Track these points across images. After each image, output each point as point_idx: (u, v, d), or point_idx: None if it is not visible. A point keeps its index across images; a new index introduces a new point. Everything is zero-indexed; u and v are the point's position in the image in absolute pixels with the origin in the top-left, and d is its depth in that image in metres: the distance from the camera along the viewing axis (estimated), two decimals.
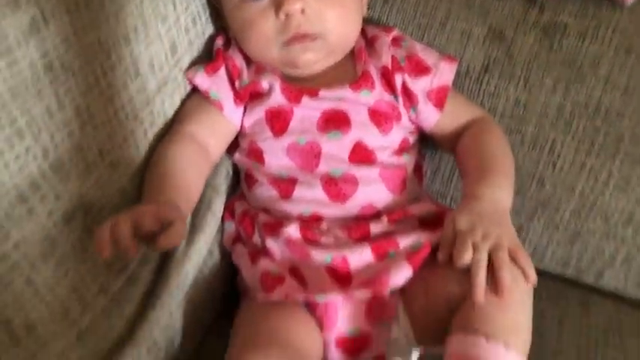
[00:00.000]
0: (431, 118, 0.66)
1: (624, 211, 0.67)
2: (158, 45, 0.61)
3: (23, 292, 0.47)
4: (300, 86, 0.65)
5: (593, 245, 0.70)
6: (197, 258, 0.64)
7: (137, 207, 0.51)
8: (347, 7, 0.64)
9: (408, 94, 0.66)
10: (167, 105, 0.63)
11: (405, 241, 0.58)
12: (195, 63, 0.67)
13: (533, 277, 0.53)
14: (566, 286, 0.74)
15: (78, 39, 0.51)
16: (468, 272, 0.52)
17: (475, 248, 0.52)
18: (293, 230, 0.60)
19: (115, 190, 0.56)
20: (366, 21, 0.70)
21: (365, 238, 0.60)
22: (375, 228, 0.60)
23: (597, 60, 0.65)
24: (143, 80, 0.59)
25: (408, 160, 0.65)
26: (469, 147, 0.65)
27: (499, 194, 0.59)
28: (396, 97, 0.66)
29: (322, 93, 0.64)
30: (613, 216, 0.67)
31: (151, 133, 0.61)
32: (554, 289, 0.73)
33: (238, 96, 0.65)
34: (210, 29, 0.70)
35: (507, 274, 0.51)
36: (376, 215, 0.62)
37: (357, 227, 0.60)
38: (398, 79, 0.65)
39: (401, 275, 0.56)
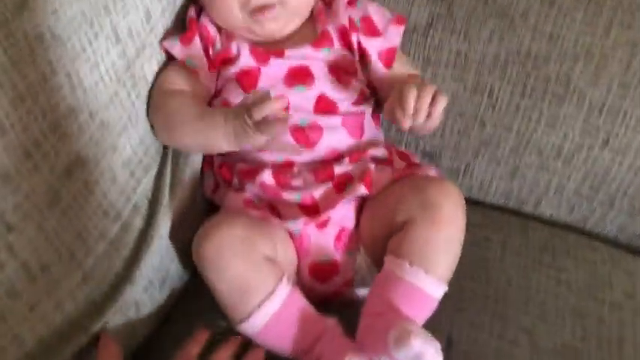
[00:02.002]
0: (379, 73, 0.74)
1: (554, 146, 0.76)
2: (134, 13, 0.66)
3: (36, 237, 0.53)
4: (267, 48, 0.71)
5: (530, 178, 0.79)
6: (180, 206, 0.71)
7: None
8: None
9: (362, 52, 0.74)
10: (146, 68, 0.69)
11: (357, 173, 0.68)
12: (167, 29, 0.72)
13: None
14: (509, 216, 0.83)
15: (64, 11, 0.57)
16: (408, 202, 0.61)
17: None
18: (267, 176, 0.67)
19: (106, 147, 0.62)
20: None
21: (329, 178, 0.68)
22: (339, 169, 0.68)
23: (526, 11, 0.74)
24: (123, 46, 0.64)
25: (365, 109, 0.73)
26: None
27: None
28: (352, 52, 0.73)
29: (287, 52, 0.71)
30: (545, 150, 0.77)
31: (134, 95, 0.66)
32: (498, 219, 0.82)
33: (212, 63, 0.71)
34: None
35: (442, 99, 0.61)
36: (340, 157, 0.70)
37: (323, 170, 0.68)
38: (354, 38, 0.73)
39: (355, 193, 0.66)
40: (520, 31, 0.75)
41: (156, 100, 0.68)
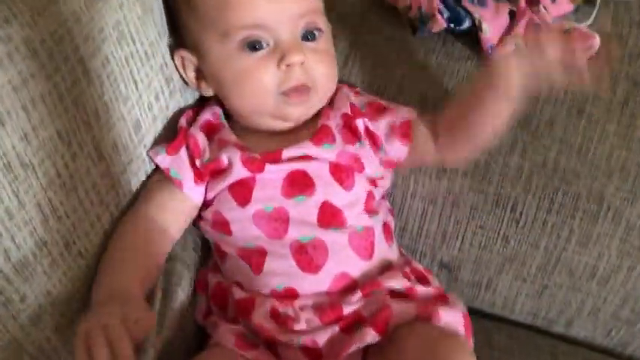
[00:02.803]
0: (402, 152, 0.66)
1: (588, 266, 0.69)
2: (121, 126, 0.61)
3: None
4: (260, 152, 0.64)
5: (560, 298, 0.71)
6: (167, 334, 0.64)
7: (112, 328, 0.47)
8: (333, 63, 0.67)
9: (372, 137, 0.67)
10: (133, 184, 0.63)
11: (370, 311, 0.60)
12: (160, 137, 0.67)
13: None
14: (537, 337, 0.75)
15: (36, 134, 0.51)
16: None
17: None
18: (264, 318, 0.60)
19: (84, 281, 0.55)
20: None
21: (337, 319, 0.60)
22: (348, 309, 0.60)
23: (552, 121, 0.68)
24: (107, 163, 0.59)
25: (375, 222, 0.66)
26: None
27: None
28: (360, 142, 0.66)
29: (285, 153, 0.64)
30: (577, 270, 0.69)
31: (118, 215, 0.61)
32: (524, 341, 0.74)
33: (199, 174, 0.65)
34: (173, 102, 0.70)
35: None
36: (349, 288, 0.62)
37: (330, 309, 0.60)
38: (359, 124, 0.66)
39: (365, 340, 0.57)
40: (545, 142, 0.68)
41: (115, 232, 0.61)
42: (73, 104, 0.55)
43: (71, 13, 0.54)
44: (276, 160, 0.64)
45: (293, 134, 0.66)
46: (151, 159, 0.65)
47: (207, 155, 0.66)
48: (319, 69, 0.64)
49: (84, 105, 0.56)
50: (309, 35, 0.64)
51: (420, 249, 0.76)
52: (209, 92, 0.70)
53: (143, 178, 0.65)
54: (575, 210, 0.68)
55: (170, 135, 0.68)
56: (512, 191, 0.70)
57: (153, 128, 0.66)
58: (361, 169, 0.66)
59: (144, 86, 0.64)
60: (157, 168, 0.66)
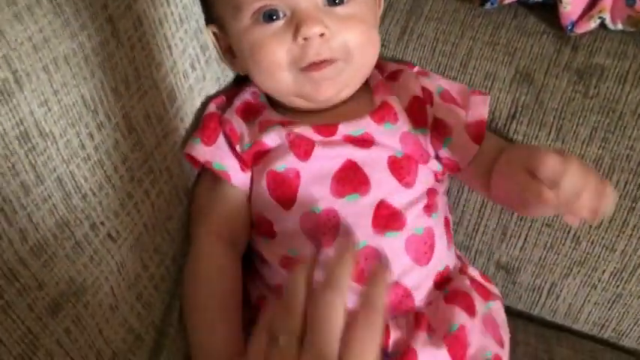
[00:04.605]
0: (469, 152, 0.59)
1: None
2: (154, 94, 0.54)
3: None
4: (314, 126, 0.57)
5: (636, 308, 0.63)
6: None
7: None
8: (368, 23, 0.58)
9: (442, 127, 0.60)
10: (169, 160, 0.56)
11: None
12: (198, 112, 0.61)
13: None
14: (604, 351, 0.67)
15: (58, 99, 0.45)
16: None
17: None
18: None
19: (113, 266, 0.49)
20: (380, 60, 0.64)
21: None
22: (395, 334, 0.53)
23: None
24: (138, 136, 0.53)
25: (436, 221, 0.58)
26: (513, 152, 0.56)
27: None
28: (424, 130, 0.59)
29: (342, 128, 0.57)
30: None
31: (153, 194, 0.54)
32: (590, 351, 0.67)
33: (242, 161, 0.58)
34: (210, 73, 0.63)
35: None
36: (403, 298, 0.55)
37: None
38: (429, 111, 0.60)
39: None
40: (631, 132, 0.59)
41: (192, 272, 0.56)
42: (100, 68, 0.49)
43: None
44: (331, 133, 0.57)
45: (350, 109, 0.59)
46: (187, 156, 0.58)
47: (246, 140, 0.58)
48: (350, 37, 0.56)
49: (112, 69, 0.50)
50: None
51: (475, 247, 0.69)
52: (240, 70, 0.64)
53: (180, 155, 0.58)
54: None
55: (201, 127, 0.60)
56: None
57: (189, 100, 0.60)
58: (426, 159, 0.59)
59: (178, 52, 0.58)
60: (199, 175, 0.60)
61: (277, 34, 0.55)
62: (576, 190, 0.44)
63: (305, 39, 0.54)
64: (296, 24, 0.54)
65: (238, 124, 0.59)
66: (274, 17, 0.55)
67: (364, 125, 0.57)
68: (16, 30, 0.42)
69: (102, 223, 0.48)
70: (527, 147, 0.59)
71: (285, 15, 0.55)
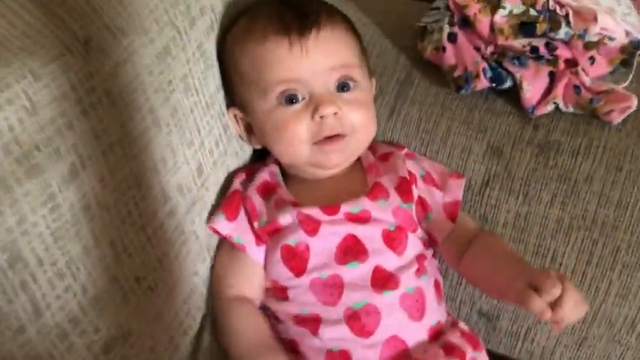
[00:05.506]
0: (445, 228, 0.71)
1: (628, 318, 0.70)
2: (185, 169, 0.65)
3: None
4: (318, 207, 0.67)
5: (600, 350, 0.72)
6: None
7: None
8: (368, 106, 0.71)
9: (423, 205, 0.71)
10: (197, 224, 0.67)
11: None
12: (220, 182, 0.71)
13: None
14: None
15: (112, 176, 0.55)
16: None
17: None
18: None
19: (152, 314, 0.59)
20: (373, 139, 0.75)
21: None
22: None
23: (590, 176, 0.70)
24: (173, 204, 0.63)
25: (426, 282, 0.68)
26: (490, 243, 0.69)
27: None
28: (411, 205, 0.70)
29: (344, 207, 0.68)
30: (617, 322, 0.70)
31: (184, 253, 0.64)
32: None
33: (258, 237, 0.69)
34: (231, 148, 0.74)
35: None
36: (401, 351, 0.64)
37: None
38: (415, 191, 0.71)
39: None
40: (584, 196, 0.70)
41: (218, 304, 0.68)
42: (144, 149, 0.59)
43: (144, 67, 0.59)
44: (334, 212, 0.67)
45: (349, 193, 0.70)
46: (211, 228, 0.68)
47: (264, 218, 0.69)
48: (355, 117, 0.68)
49: (153, 150, 0.60)
50: (344, 86, 0.68)
51: (459, 297, 0.78)
52: (257, 145, 0.75)
53: (205, 219, 0.69)
54: (615, 262, 0.69)
55: (227, 182, 0.72)
56: (552, 242, 0.72)
57: (213, 172, 0.70)
58: (415, 228, 0.70)
59: (205, 132, 0.69)
60: (221, 241, 0.70)
61: (298, 114, 0.67)
62: (571, 310, 0.55)
63: (321, 117, 0.66)
64: (315, 105, 0.66)
65: (258, 202, 0.70)
66: (294, 100, 0.67)
67: (362, 203, 0.68)
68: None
69: (144, 278, 0.58)
70: (518, 259, 0.68)
71: (304, 98, 0.67)
